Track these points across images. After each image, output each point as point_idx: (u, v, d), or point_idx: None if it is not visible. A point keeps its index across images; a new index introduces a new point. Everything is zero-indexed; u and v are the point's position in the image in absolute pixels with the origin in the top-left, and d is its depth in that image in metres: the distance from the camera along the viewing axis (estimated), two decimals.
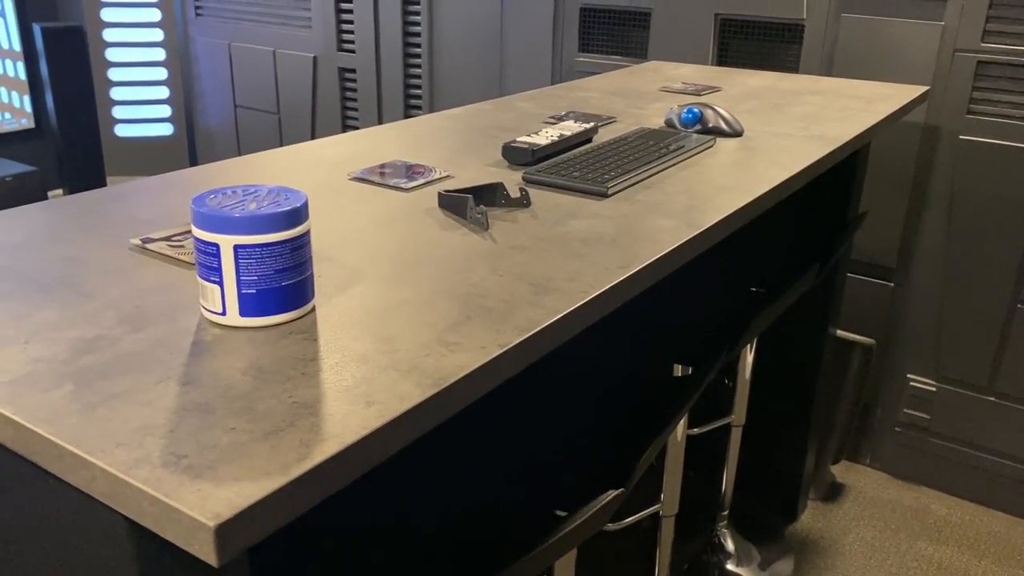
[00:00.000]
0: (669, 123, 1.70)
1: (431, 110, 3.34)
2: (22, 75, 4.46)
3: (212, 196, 0.85)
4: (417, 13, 3.26)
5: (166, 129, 4.04)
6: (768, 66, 2.64)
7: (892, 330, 2.61)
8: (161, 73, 3.97)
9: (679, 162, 1.45)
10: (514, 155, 1.42)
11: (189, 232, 1.07)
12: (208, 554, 0.57)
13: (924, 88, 2.18)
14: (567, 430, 1.36)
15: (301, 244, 0.84)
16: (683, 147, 1.49)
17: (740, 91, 2.09)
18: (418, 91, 3.35)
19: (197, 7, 3.89)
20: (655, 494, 1.86)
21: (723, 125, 1.63)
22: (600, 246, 1.08)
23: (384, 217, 1.17)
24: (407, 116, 3.41)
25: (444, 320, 0.87)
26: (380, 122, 3.48)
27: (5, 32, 4.37)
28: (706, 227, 1.15)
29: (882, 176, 2.48)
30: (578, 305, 0.91)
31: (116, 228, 1.09)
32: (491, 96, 3.16)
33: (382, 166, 1.39)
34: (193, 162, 4.25)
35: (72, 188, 4.39)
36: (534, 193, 1.28)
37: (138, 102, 3.99)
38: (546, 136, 1.48)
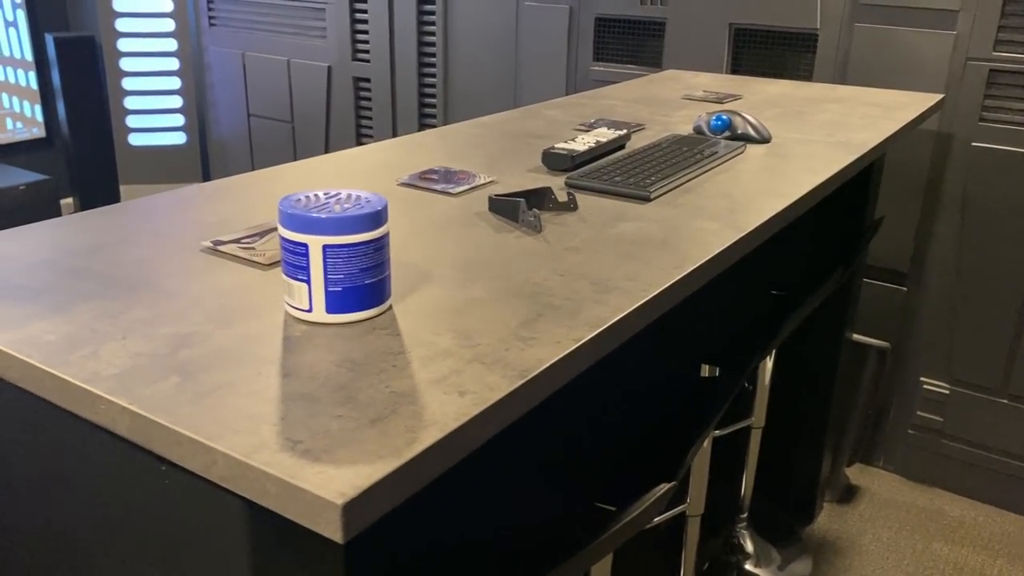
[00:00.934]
0: (698, 130, 1.74)
1: (446, 118, 3.39)
2: (33, 84, 4.50)
3: (297, 199, 0.89)
4: (432, 23, 3.30)
5: (179, 138, 4.08)
6: (781, 74, 2.69)
7: (905, 334, 2.65)
8: (175, 83, 4.01)
9: (713, 167, 1.49)
10: (554, 161, 1.46)
11: (257, 234, 1.11)
12: (334, 531, 0.61)
13: (939, 96, 2.23)
14: (600, 426, 1.40)
15: (382, 245, 0.88)
16: (716, 153, 1.53)
17: (760, 99, 2.13)
18: (432, 100, 3.40)
19: (211, 17, 3.93)
20: (679, 494, 1.90)
21: (751, 132, 1.68)
22: (651, 248, 1.12)
23: (439, 220, 1.21)
24: (422, 124, 3.46)
25: (516, 317, 0.91)
26: (395, 130, 3.52)
27: (17, 42, 4.41)
28: (750, 229, 1.19)
29: (896, 182, 2.53)
30: (640, 303, 0.95)
31: (182, 231, 1.13)
32: (506, 104, 3.20)
33: (427, 172, 1.43)
34: (206, 171, 4.29)
35: (84, 197, 4.43)
36: (578, 197, 1.32)
37: (151, 111, 4.03)
38: (583, 143, 1.52)
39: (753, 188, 1.38)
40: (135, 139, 4.04)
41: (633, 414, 1.48)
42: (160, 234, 1.12)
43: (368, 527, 0.63)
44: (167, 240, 1.10)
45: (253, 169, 4.01)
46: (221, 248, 1.06)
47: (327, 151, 3.75)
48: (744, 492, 2.35)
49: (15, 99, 4.46)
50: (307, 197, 0.90)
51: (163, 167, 4.11)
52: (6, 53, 4.39)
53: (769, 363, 2.15)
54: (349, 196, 0.90)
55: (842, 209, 2.18)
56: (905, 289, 2.61)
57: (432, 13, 3.30)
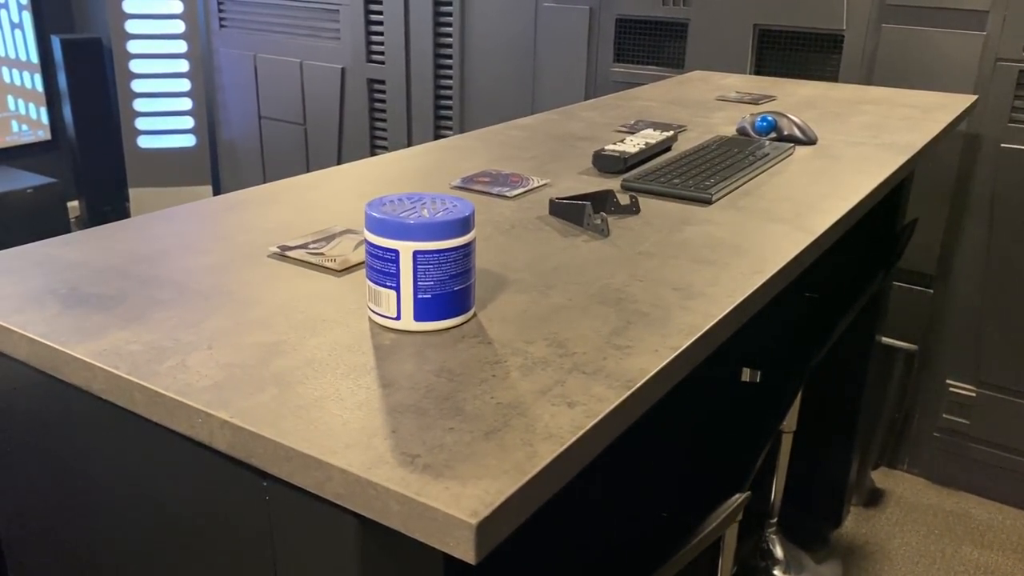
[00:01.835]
0: (742, 131, 1.72)
1: (461, 121, 3.36)
2: (39, 87, 4.46)
3: (383, 203, 0.86)
4: (449, 24, 3.28)
5: (188, 141, 4.04)
6: (805, 76, 2.67)
7: (931, 336, 2.63)
8: (184, 85, 3.97)
9: (767, 169, 1.47)
10: (606, 163, 1.44)
11: (323, 239, 1.08)
12: (466, 551, 0.58)
13: (974, 97, 2.21)
14: (652, 434, 1.38)
15: (470, 251, 0.86)
16: (768, 154, 1.51)
17: (795, 100, 2.11)
18: (448, 102, 3.37)
19: (221, 19, 3.89)
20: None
21: (797, 133, 1.66)
22: (725, 252, 1.09)
23: (502, 224, 1.18)
24: (437, 126, 3.43)
25: (606, 324, 0.88)
26: (409, 133, 3.49)
27: (23, 44, 4.37)
28: (821, 232, 1.17)
29: (923, 183, 2.51)
30: (729, 310, 0.93)
31: (244, 237, 1.10)
32: (524, 106, 3.18)
33: (479, 175, 1.41)
34: (215, 174, 4.25)
35: (90, 200, 4.39)
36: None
37: (161, 113, 3.99)
38: (632, 144, 1.50)
39: (813, 191, 1.36)
40: (144, 141, 4.01)
41: (681, 420, 1.45)
42: (222, 239, 1.09)
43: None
44: (231, 245, 1.07)
45: (264, 173, 3.97)
46: (289, 254, 1.03)
47: (340, 154, 3.72)
48: (774, 497, 2.33)
49: (20, 101, 4.42)
50: (392, 202, 0.87)
51: (172, 170, 4.07)
52: (12, 55, 4.35)
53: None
54: (435, 200, 0.88)
55: (875, 210, 2.16)
56: (932, 291, 2.60)
57: (449, 14, 3.28)
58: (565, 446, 0.66)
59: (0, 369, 0.90)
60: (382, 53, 3.48)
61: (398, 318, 0.85)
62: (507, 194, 1.31)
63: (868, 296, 1.78)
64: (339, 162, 3.70)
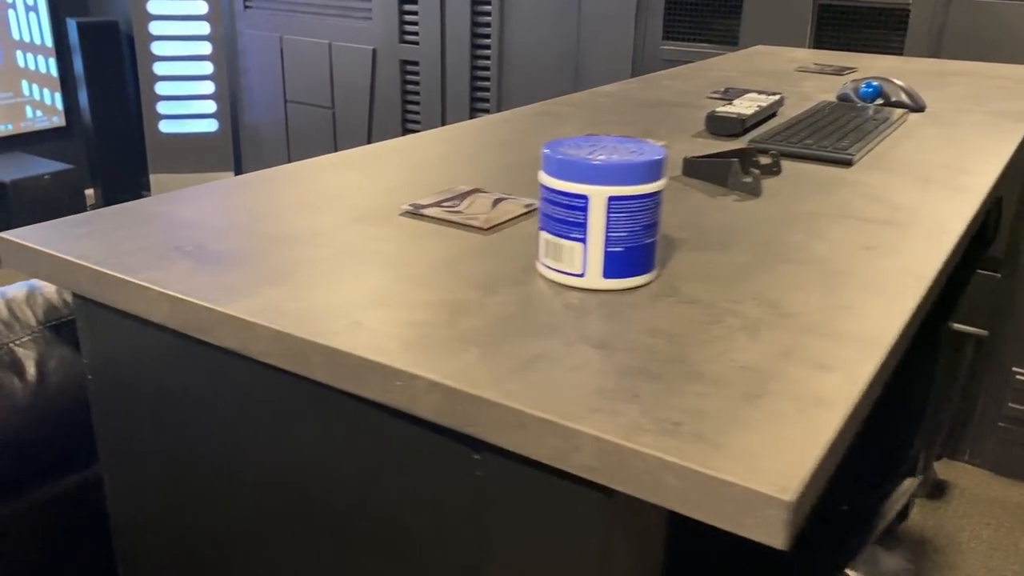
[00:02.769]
0: (843, 98, 1.62)
1: (499, 103, 3.25)
2: (54, 71, 4.33)
3: (562, 145, 0.76)
4: (488, 2, 3.17)
5: (211, 125, 3.92)
6: (866, 51, 2.57)
7: (998, 322, 2.54)
8: (207, 67, 3.85)
9: (890, 133, 1.37)
10: (721, 125, 1.34)
11: (456, 197, 0.98)
12: (775, 534, 0.48)
13: None
14: None
15: (660, 199, 0.75)
16: (888, 119, 1.41)
17: (874, 72, 2.01)
18: (486, 83, 3.26)
19: (246, 0, 3.78)
20: None
21: (905, 98, 1.56)
22: (897, 212, 0.99)
23: None
24: (473, 109, 3.32)
25: (810, 284, 0.78)
26: (443, 115, 3.38)
27: (37, 27, 4.25)
28: (985, 194, 1.07)
29: None
30: (939, 268, 0.83)
31: (361, 196, 1.00)
32: (565, 87, 3.07)
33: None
34: (238, 160, 4.13)
35: (106, 186, 4.26)
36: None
37: (182, 97, 3.87)
38: (745, 106, 1.39)
39: (950, 153, 1.26)
40: (165, 126, 3.89)
41: None
42: (340, 197, 0.99)
43: None
44: (352, 204, 0.96)
45: (289, 158, 3.86)
46: (424, 212, 0.93)
47: (370, 137, 3.61)
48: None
49: (35, 87, 4.29)
50: (571, 145, 0.77)
51: (193, 156, 3.96)
52: (26, 39, 4.22)
53: None
54: (617, 142, 0.78)
55: None
56: (999, 275, 2.50)
57: None
58: (845, 413, 0.56)
59: (126, 336, 0.79)
60: (416, 33, 3.36)
61: (582, 275, 0.74)
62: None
63: (967, 277, 1.69)
64: None
